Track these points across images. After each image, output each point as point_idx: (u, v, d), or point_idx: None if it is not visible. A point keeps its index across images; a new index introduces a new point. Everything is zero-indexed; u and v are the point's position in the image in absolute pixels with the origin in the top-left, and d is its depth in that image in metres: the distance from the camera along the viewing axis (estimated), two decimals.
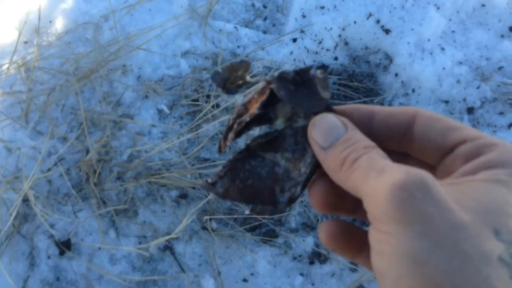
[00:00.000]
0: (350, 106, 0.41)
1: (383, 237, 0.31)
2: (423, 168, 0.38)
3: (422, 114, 0.38)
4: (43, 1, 1.37)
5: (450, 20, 1.49)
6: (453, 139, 0.36)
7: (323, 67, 0.42)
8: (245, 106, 0.42)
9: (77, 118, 1.30)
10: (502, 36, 1.48)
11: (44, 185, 1.21)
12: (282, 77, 0.40)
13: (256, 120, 0.41)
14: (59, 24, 1.38)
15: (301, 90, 0.40)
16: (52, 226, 1.17)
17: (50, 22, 1.38)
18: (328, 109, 0.40)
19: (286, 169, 0.40)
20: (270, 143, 0.41)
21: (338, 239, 0.40)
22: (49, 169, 1.21)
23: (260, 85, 0.41)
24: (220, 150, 0.43)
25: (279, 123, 0.42)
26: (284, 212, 1.26)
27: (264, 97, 0.40)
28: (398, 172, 0.31)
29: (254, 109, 0.41)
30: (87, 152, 1.24)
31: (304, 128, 0.40)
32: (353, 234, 0.40)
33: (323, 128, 0.38)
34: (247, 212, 1.23)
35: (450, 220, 0.29)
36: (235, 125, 0.42)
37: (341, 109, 0.40)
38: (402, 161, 0.39)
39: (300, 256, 1.24)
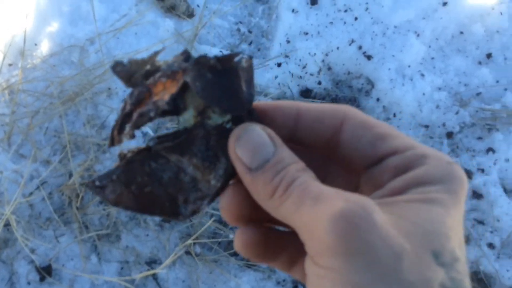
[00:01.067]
0: (272, 104, 0.36)
1: (323, 272, 0.28)
2: (345, 176, 0.37)
3: (351, 119, 0.34)
4: (28, 23, 1.37)
5: (430, 47, 1.53)
6: (382, 150, 0.33)
7: (249, 56, 0.33)
8: (149, 89, 0.34)
9: (60, 141, 1.29)
10: (480, 63, 1.53)
11: (26, 209, 1.20)
12: (200, 63, 0.33)
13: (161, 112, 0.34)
14: (45, 47, 1.38)
15: (220, 82, 0.33)
16: (33, 251, 1.16)
17: (36, 44, 1.38)
18: (249, 111, 0.34)
19: (193, 177, 0.34)
20: (178, 144, 0.35)
21: (254, 247, 0.36)
22: (31, 193, 1.20)
23: (171, 66, 0.34)
24: (112, 144, 0.35)
25: (189, 117, 0.34)
26: (185, 222, 1.26)
27: (175, 87, 0.33)
28: (336, 200, 0.29)
29: (161, 99, 0.33)
30: (70, 175, 1.24)
31: (219, 130, 0.34)
32: (270, 239, 0.36)
33: (250, 145, 0.32)
34: (231, 236, 1.23)
35: (393, 249, 0.27)
36: (135, 116, 0.34)
37: (262, 107, 0.36)
38: (326, 165, 0.37)
39: (283, 280, 1.24)
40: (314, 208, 0.29)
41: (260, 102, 0.36)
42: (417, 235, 0.28)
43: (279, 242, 0.36)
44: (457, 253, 0.29)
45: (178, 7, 1.51)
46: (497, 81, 1.50)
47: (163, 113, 0.33)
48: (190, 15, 1.53)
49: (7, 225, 1.15)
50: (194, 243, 1.21)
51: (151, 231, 1.23)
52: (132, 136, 0.34)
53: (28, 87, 1.32)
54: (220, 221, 1.26)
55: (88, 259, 1.18)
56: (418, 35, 1.52)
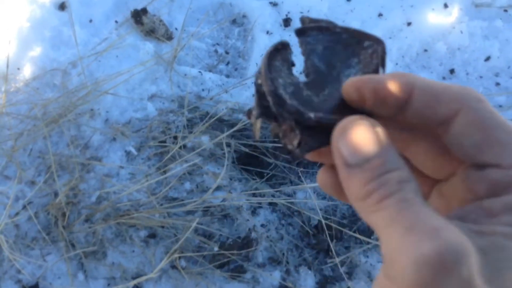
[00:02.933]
0: (382, 78, 0.33)
1: None
2: (444, 161, 0.34)
3: (469, 111, 0.31)
4: (11, 49, 1.41)
5: (397, 64, 1.63)
6: (487, 159, 0.31)
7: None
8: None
9: (45, 162, 1.32)
10: (444, 78, 1.63)
11: (12, 230, 1.21)
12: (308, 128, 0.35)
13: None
14: (27, 71, 1.41)
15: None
16: (20, 270, 1.17)
17: (18, 69, 1.41)
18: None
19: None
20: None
21: (333, 185, 0.36)
22: (17, 213, 1.22)
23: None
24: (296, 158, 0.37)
25: None
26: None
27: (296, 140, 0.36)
28: (427, 237, 0.26)
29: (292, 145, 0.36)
30: (56, 195, 1.26)
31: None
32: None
33: (353, 139, 0.31)
34: (216, 248, 1.27)
35: None
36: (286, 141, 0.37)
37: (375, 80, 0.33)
38: (424, 141, 0.35)
39: None
40: (403, 238, 0.27)
41: (371, 76, 0.34)
42: (500, 281, 0.27)
43: None
44: None
45: (157, 30, 1.57)
46: None
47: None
48: (169, 37, 1.59)
49: None
50: (180, 257, 1.25)
51: (137, 247, 1.26)
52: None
53: (11, 110, 1.35)
54: (204, 234, 1.30)
55: (75, 276, 1.20)
56: None
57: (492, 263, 0.27)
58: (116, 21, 1.58)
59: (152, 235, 1.29)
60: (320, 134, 0.35)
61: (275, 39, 1.61)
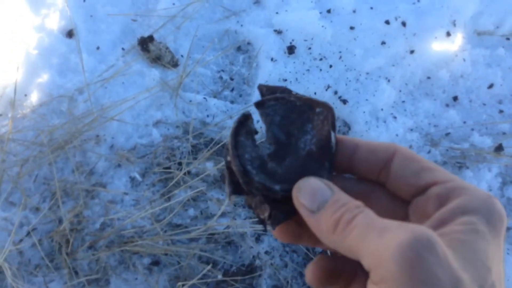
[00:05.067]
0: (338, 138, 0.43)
1: None
2: (397, 202, 0.41)
3: (401, 153, 0.40)
4: (19, 75, 1.43)
5: (400, 91, 1.64)
6: (425, 180, 0.38)
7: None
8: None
9: (49, 188, 1.32)
10: (447, 105, 1.64)
11: (15, 257, 1.21)
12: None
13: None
14: (34, 97, 1.43)
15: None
16: None
17: (26, 95, 1.43)
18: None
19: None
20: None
21: (324, 279, 0.42)
22: (21, 240, 1.22)
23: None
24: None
25: None
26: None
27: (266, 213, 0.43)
28: (402, 231, 0.31)
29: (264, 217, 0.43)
30: (60, 221, 1.26)
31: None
32: (339, 270, 0.43)
33: (309, 191, 0.38)
34: (219, 276, 1.26)
35: (454, 281, 0.30)
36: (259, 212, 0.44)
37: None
38: (377, 190, 0.43)
39: None
40: (380, 239, 0.32)
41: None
42: (469, 268, 0.31)
43: (350, 272, 0.42)
44: (497, 286, 0.32)
45: (163, 57, 1.59)
46: (464, 122, 1.60)
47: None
48: (175, 64, 1.61)
49: None
50: (183, 285, 1.24)
51: (140, 274, 1.25)
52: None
53: (18, 137, 1.36)
54: (207, 262, 1.29)
55: None
56: (388, 81, 1.62)
57: (461, 256, 0.31)
58: (123, 48, 1.60)
59: (156, 263, 1.28)
60: (286, 205, 0.41)
61: (280, 66, 1.63)
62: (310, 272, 0.43)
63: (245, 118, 0.45)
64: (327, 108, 0.44)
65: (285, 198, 0.41)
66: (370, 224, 0.33)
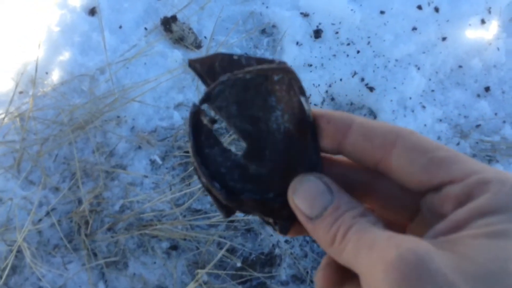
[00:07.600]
0: (326, 113, 0.36)
1: None
2: (407, 191, 0.35)
3: (403, 142, 0.33)
4: (40, 52, 1.40)
5: (430, 80, 1.58)
6: (437, 178, 0.32)
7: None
8: None
9: (69, 168, 1.30)
10: (479, 95, 1.58)
11: (34, 236, 1.20)
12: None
13: None
14: (55, 76, 1.41)
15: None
16: (40, 279, 1.15)
17: (47, 73, 1.41)
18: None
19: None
20: None
21: (334, 283, 0.37)
22: (40, 220, 1.20)
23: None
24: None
25: None
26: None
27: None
28: (388, 247, 0.28)
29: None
30: (79, 202, 1.24)
31: None
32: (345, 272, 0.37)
33: (308, 195, 0.34)
34: (238, 264, 1.24)
35: None
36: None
37: (316, 114, 0.36)
38: (383, 177, 0.36)
39: None
40: (368, 256, 0.29)
41: (315, 109, 0.36)
42: (479, 278, 0.27)
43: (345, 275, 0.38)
44: None
45: (186, 38, 1.56)
46: (496, 114, 1.54)
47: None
48: (198, 46, 1.57)
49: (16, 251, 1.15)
50: (202, 270, 1.22)
51: (159, 258, 1.23)
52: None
53: (38, 115, 1.34)
54: (227, 249, 1.27)
55: (96, 286, 1.18)
56: (418, 69, 1.56)
57: (472, 267, 0.27)
58: (145, 28, 1.57)
59: (174, 247, 1.26)
60: (286, 209, 0.36)
61: (305, 50, 1.58)
62: (320, 280, 0.38)
63: (196, 116, 0.36)
64: (286, 72, 0.36)
65: (283, 203, 0.36)
66: (361, 238, 0.31)
